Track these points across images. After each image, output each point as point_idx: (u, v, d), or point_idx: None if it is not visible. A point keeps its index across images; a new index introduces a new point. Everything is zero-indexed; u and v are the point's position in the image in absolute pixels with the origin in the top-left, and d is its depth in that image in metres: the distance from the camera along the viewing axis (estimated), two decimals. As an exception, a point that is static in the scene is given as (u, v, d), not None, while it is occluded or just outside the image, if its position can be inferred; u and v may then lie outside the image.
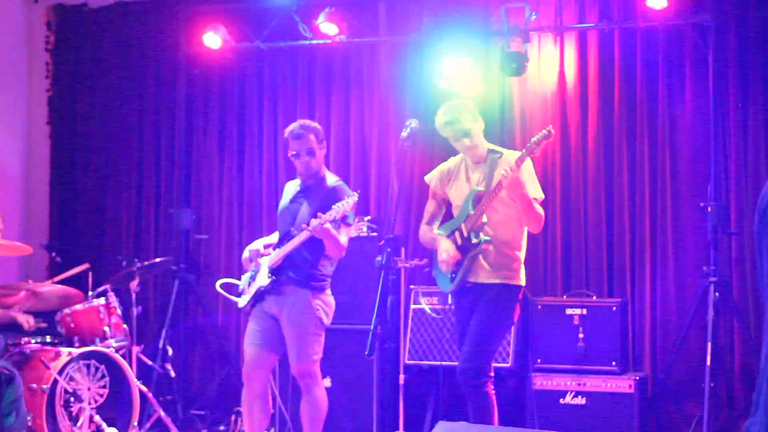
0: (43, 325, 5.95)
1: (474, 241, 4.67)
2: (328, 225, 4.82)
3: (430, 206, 5.05)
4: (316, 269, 5.08)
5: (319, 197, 5.07)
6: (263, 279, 5.11)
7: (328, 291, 5.16)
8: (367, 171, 7.10)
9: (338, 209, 4.78)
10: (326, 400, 5.19)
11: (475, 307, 4.77)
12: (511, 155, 4.79)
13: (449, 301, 5.09)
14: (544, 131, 4.48)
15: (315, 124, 5.27)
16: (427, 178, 5.09)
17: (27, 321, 5.88)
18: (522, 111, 6.75)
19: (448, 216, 5.02)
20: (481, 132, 4.86)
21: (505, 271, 4.75)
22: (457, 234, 4.78)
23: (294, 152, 5.15)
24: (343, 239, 5.00)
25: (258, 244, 5.28)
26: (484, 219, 4.69)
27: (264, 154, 7.35)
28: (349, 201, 4.82)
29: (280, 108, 7.35)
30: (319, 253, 5.07)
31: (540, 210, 4.70)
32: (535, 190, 4.73)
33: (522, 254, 4.84)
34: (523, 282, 4.82)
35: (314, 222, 4.81)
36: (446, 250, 4.75)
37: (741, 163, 6.30)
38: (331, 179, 5.19)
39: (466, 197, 4.80)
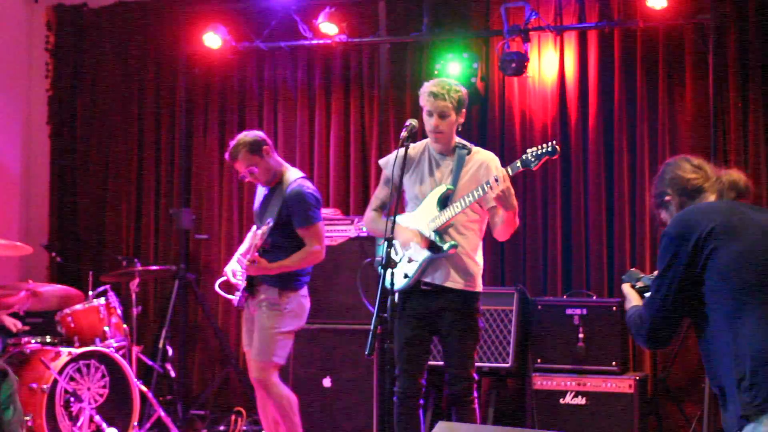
0: (26, 328, 5.91)
1: (441, 244, 4.48)
2: (261, 264, 4.93)
3: (381, 193, 4.80)
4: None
5: (278, 203, 5.07)
6: (242, 281, 5.14)
7: (302, 292, 5.11)
8: (367, 171, 7.10)
9: (256, 240, 4.93)
10: (289, 395, 5.11)
11: (436, 315, 4.53)
12: (482, 154, 4.63)
13: (395, 299, 4.83)
14: (547, 147, 4.28)
15: (243, 140, 5.10)
16: (381, 162, 4.83)
17: (14, 325, 5.86)
18: (522, 111, 6.76)
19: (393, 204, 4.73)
20: (458, 125, 4.61)
21: (467, 277, 4.54)
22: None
23: (241, 176, 5.21)
24: (311, 246, 5.00)
25: (234, 264, 5.27)
26: (452, 222, 4.51)
27: (264, 154, 7.35)
28: (264, 230, 4.90)
29: (280, 108, 7.35)
30: (286, 254, 5.04)
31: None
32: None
33: (481, 261, 4.64)
34: (481, 288, 4.61)
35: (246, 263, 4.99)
36: (414, 239, 4.51)
37: (741, 162, 6.30)
38: (289, 180, 5.11)
39: (430, 192, 4.57)
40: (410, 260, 4.58)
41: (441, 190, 4.56)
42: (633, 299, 3.18)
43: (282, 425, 5.12)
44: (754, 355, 2.71)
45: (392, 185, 4.65)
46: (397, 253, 4.58)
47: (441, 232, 4.50)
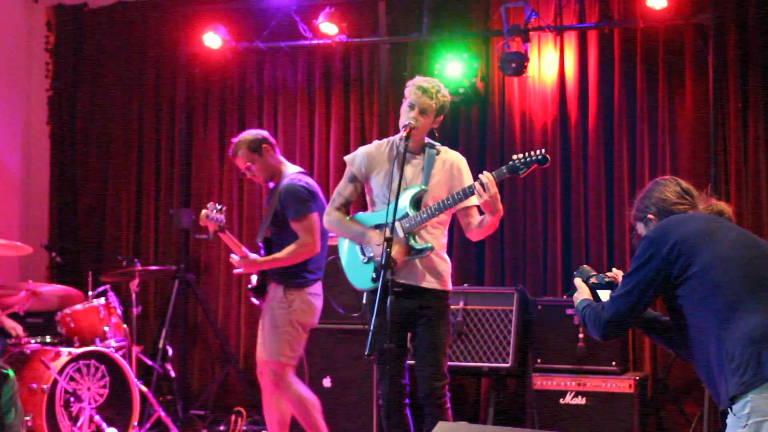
0: (24, 334, 5.90)
1: (417, 246, 4.36)
2: (249, 260, 5.02)
3: (346, 190, 4.61)
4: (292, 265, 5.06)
5: (274, 202, 5.10)
6: (253, 283, 5.17)
7: (310, 290, 5.07)
8: (367, 171, 7.10)
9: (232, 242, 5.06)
10: (308, 396, 5.10)
11: (410, 315, 4.40)
12: (451, 155, 4.55)
13: (364, 299, 4.64)
14: (537, 155, 4.20)
15: (244, 138, 5.19)
16: (348, 158, 4.65)
17: (14, 329, 5.85)
18: (522, 111, 6.76)
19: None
20: (431, 128, 4.53)
21: (440, 276, 4.46)
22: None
23: (241, 172, 5.28)
24: (303, 239, 4.97)
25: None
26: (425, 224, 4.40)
27: (264, 154, 7.35)
28: (204, 213, 5.07)
29: (280, 108, 7.36)
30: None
31: None
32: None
33: (448, 258, 4.57)
34: (451, 287, 4.55)
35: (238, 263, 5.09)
36: (396, 249, 4.23)
37: (741, 163, 6.30)
38: (285, 176, 5.14)
39: (401, 192, 4.30)
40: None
41: (414, 190, 4.44)
42: (584, 293, 3.31)
43: (305, 427, 5.11)
44: (739, 340, 2.81)
45: (358, 184, 4.60)
46: (364, 255, 4.55)
47: (415, 233, 4.40)
